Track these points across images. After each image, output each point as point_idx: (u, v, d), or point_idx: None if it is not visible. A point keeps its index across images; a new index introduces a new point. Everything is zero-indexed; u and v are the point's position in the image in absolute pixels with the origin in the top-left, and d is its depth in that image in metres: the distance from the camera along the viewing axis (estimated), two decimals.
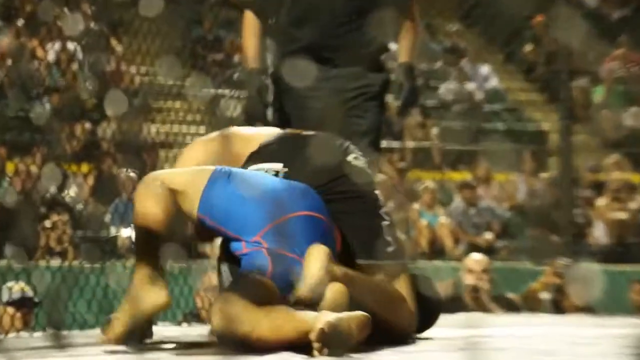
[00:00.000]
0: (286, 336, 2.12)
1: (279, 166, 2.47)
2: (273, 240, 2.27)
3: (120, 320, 2.39)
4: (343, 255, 2.38)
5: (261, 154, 2.53)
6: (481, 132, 8.88)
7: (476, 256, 5.87)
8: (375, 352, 2.15)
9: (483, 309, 5.36)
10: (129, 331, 2.37)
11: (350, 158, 2.52)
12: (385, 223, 2.45)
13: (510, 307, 5.59)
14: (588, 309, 5.50)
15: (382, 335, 2.30)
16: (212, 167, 2.39)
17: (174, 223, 2.37)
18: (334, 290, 2.20)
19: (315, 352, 2.07)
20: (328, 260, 2.23)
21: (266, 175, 2.43)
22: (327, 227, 2.36)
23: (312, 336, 2.06)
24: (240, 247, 2.31)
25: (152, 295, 2.35)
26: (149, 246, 2.36)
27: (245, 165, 2.52)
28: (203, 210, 2.33)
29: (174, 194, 2.34)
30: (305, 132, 2.60)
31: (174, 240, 2.39)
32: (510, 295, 6.05)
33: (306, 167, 2.46)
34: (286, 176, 2.44)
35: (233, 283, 2.29)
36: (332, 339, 2.05)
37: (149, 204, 2.33)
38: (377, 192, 2.49)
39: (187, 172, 2.42)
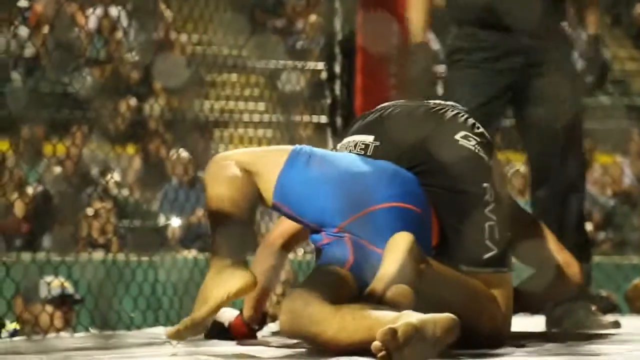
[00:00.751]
0: (359, 337, 2.11)
1: (369, 139, 2.44)
2: (356, 232, 2.28)
3: (197, 310, 2.30)
4: (441, 249, 2.36)
5: (358, 124, 2.52)
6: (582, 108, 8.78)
7: None
8: (456, 358, 2.19)
9: None
10: (205, 320, 2.31)
11: (459, 136, 2.43)
12: (489, 224, 2.38)
13: (608, 307, 5.55)
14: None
15: (467, 340, 2.30)
16: (291, 147, 2.37)
17: (253, 208, 2.36)
18: (396, 292, 2.15)
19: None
20: (411, 249, 2.19)
21: (353, 156, 2.40)
22: (420, 218, 2.32)
23: (378, 335, 2.02)
24: (320, 238, 2.33)
25: (236, 275, 2.29)
26: (227, 235, 2.31)
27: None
28: (279, 197, 2.32)
29: (249, 176, 2.33)
30: (419, 101, 2.55)
31: (252, 227, 2.39)
32: (605, 292, 6.01)
33: (400, 144, 2.41)
34: (376, 150, 2.42)
35: (308, 277, 2.32)
36: (408, 342, 2.01)
37: (224, 186, 2.32)
38: (485, 185, 2.39)
39: (264, 152, 2.42)
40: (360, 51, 4.57)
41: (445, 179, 2.38)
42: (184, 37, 6.32)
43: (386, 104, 2.56)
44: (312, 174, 2.32)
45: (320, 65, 5.09)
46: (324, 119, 4.87)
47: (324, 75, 4.86)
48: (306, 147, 2.38)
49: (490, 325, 2.37)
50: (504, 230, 2.41)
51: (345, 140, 2.49)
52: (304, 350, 2.37)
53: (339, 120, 4.68)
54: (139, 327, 4.31)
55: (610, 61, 9.96)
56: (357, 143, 2.45)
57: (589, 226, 7.90)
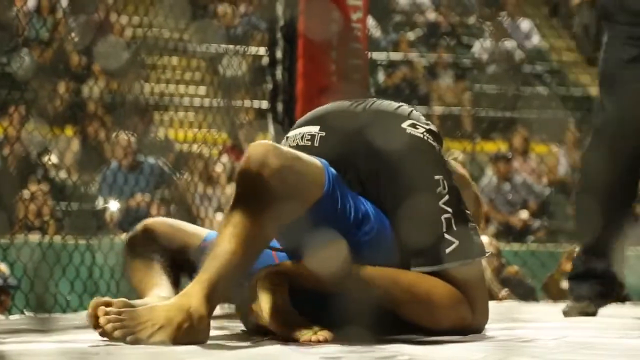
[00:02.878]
0: None
1: (315, 129, 2.38)
2: None
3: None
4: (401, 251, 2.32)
5: (305, 117, 2.48)
6: (519, 97, 8.88)
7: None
8: (385, 344, 2.20)
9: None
10: None
11: (406, 125, 2.35)
12: (445, 217, 2.31)
13: (529, 295, 5.63)
14: (625, 298, 5.52)
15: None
16: (321, 164, 2.25)
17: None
18: None
19: None
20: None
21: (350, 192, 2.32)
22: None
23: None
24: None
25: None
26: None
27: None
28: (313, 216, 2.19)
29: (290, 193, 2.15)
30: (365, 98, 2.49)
31: None
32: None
33: (345, 135, 2.34)
34: (322, 141, 2.36)
35: None
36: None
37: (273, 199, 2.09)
38: (437, 177, 2.31)
39: (304, 162, 2.22)
40: (302, 37, 4.56)
41: (393, 174, 2.31)
42: (124, 19, 6.25)
43: (332, 103, 2.50)
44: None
45: (262, 50, 5.07)
46: (265, 104, 4.86)
47: (265, 60, 4.84)
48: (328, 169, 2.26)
49: (452, 321, 2.34)
50: (462, 219, 2.34)
51: (292, 133, 2.44)
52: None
53: (280, 106, 4.67)
54: (75, 311, 4.28)
55: (548, 52, 10.06)
56: (303, 134, 2.40)
57: (524, 214, 8.01)
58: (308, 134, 2.39)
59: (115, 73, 5.87)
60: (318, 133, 2.38)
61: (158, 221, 2.56)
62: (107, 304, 2.13)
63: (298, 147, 2.36)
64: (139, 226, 2.54)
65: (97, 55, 6.19)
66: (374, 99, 2.47)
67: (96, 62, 6.37)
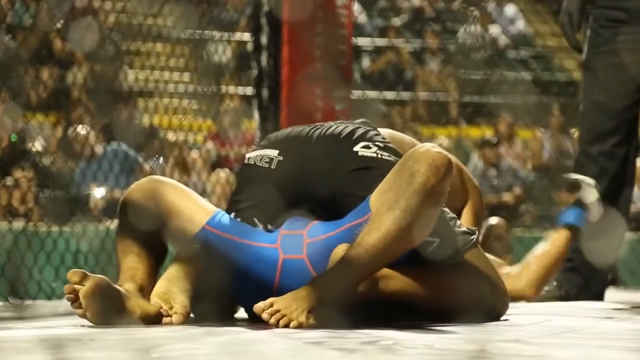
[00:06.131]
0: None
1: (274, 153, 2.50)
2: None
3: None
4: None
5: (266, 139, 2.59)
6: (504, 83, 8.90)
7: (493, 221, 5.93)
8: (369, 329, 2.21)
9: None
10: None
11: (358, 147, 2.45)
12: None
13: None
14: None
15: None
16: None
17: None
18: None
19: None
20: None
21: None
22: None
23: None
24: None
25: None
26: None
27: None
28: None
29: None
30: (322, 123, 2.60)
31: None
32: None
33: (300, 161, 2.46)
34: (279, 164, 2.47)
35: None
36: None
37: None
38: None
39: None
40: (287, 23, 4.55)
41: (346, 196, 2.39)
42: (107, 5, 6.23)
43: (295, 126, 2.62)
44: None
45: (247, 37, 5.06)
46: (250, 90, 4.85)
47: (250, 46, 4.84)
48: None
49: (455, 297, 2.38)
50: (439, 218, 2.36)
51: (253, 154, 2.55)
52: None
53: (265, 92, 4.66)
54: (60, 297, 4.27)
55: (533, 37, 10.06)
56: (262, 157, 2.51)
57: (508, 197, 8.03)
58: (267, 157, 2.51)
59: (99, 59, 5.85)
60: (276, 157, 2.49)
61: (143, 193, 2.49)
62: (83, 276, 2.29)
63: (256, 168, 2.49)
64: (124, 195, 2.52)
65: (78, 41, 6.17)
66: (331, 123, 2.57)
67: (77, 48, 6.35)
